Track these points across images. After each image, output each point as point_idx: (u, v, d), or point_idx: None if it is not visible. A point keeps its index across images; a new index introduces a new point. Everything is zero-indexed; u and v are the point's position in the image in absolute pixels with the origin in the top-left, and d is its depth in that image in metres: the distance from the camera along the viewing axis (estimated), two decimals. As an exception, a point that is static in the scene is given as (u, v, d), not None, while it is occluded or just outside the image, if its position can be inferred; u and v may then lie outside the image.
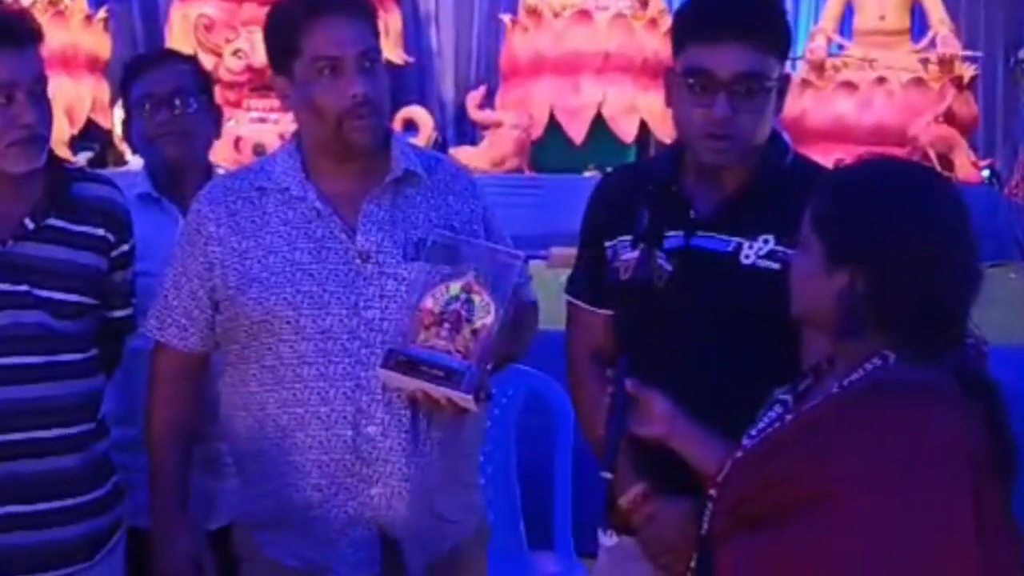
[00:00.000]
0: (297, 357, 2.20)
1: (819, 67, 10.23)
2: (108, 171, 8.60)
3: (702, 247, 2.16)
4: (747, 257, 2.14)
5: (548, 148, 10.26)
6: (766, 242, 2.14)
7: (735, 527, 1.72)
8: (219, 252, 2.24)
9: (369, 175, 2.25)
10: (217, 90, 3.10)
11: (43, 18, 8.86)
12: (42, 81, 2.23)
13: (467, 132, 11.59)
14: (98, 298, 2.32)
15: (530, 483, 3.69)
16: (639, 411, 2.00)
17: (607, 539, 2.30)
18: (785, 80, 2.18)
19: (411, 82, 11.78)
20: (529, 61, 10.38)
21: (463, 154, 9.67)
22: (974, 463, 1.60)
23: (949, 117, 9.74)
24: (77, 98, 10.01)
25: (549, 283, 2.87)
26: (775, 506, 1.65)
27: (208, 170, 2.78)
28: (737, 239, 2.15)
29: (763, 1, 2.20)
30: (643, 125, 10.10)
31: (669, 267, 2.17)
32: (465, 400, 2.09)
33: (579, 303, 2.35)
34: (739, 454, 1.80)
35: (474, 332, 2.10)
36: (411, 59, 11.22)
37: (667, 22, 8.80)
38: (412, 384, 2.12)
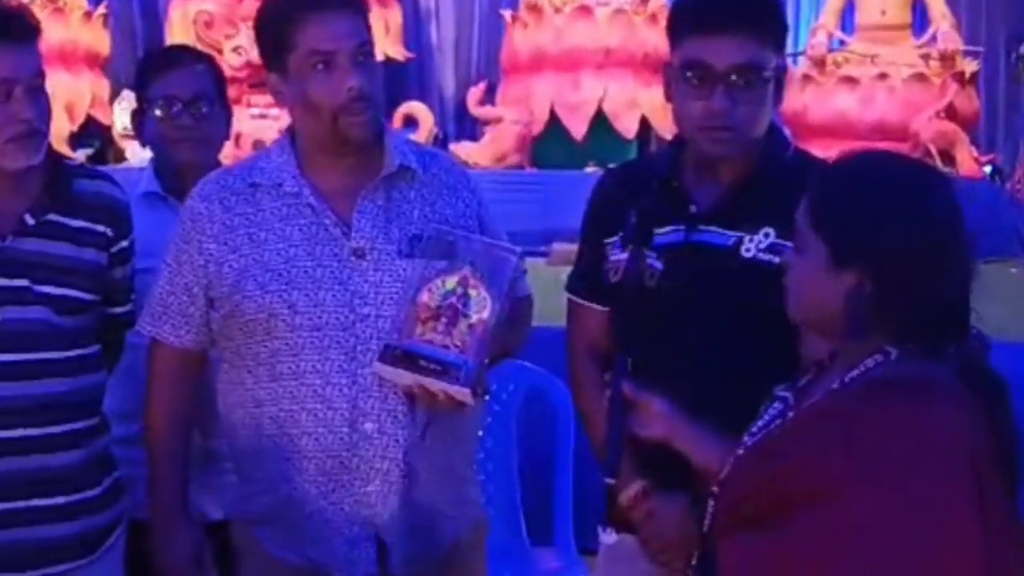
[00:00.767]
0: (293, 354, 2.19)
1: (820, 63, 10.23)
2: (108, 167, 8.61)
3: (703, 241, 2.16)
4: (748, 251, 2.13)
5: (549, 144, 10.27)
6: (767, 235, 2.13)
7: (736, 525, 1.71)
8: (214, 249, 2.24)
9: (364, 171, 2.24)
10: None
11: (42, 14, 8.87)
12: (40, 77, 2.22)
13: (468, 128, 11.61)
14: (98, 294, 2.32)
15: (531, 479, 3.69)
16: (638, 413, 1.99)
17: (607, 537, 2.30)
18: (783, 72, 2.18)
19: (412, 78, 11.80)
20: (530, 57, 10.39)
21: (463, 150, 9.68)
22: (977, 460, 1.59)
23: (951, 113, 9.75)
24: (77, 94, 10.03)
25: (550, 279, 2.87)
26: (776, 503, 1.64)
27: (215, 169, 2.77)
28: (738, 233, 2.14)
29: None
30: (644, 121, 10.11)
31: (660, 265, 2.17)
32: (462, 394, 2.09)
33: (579, 300, 2.35)
34: (740, 451, 1.79)
35: (470, 327, 2.10)
36: (411, 55, 11.22)
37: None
38: (409, 378, 2.11)
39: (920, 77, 9.88)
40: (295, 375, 2.19)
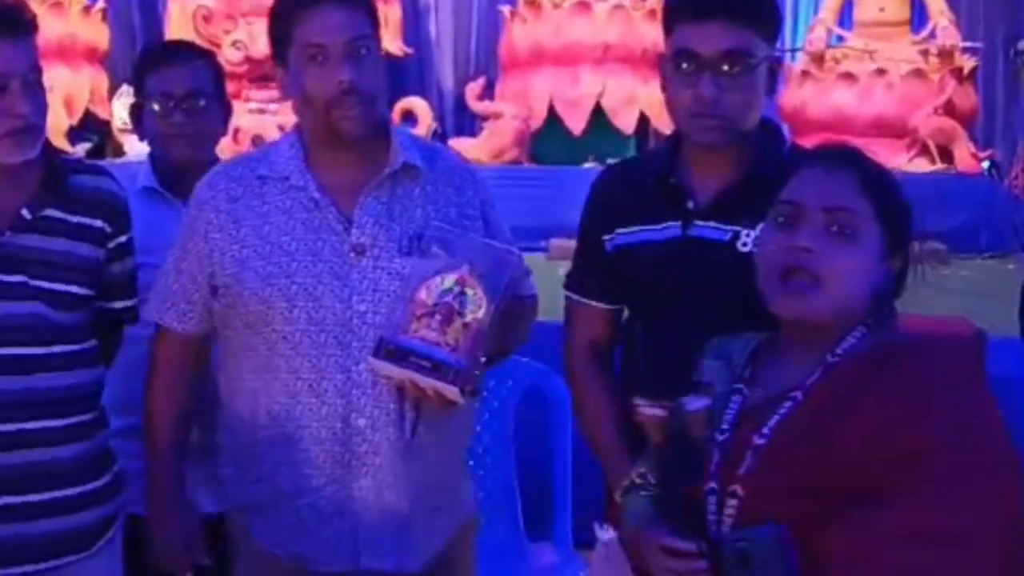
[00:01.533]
0: (291, 348, 2.20)
1: (819, 58, 10.22)
2: (107, 162, 8.61)
3: (700, 236, 2.16)
4: (744, 245, 2.13)
5: (547, 139, 10.26)
6: (764, 230, 2.13)
7: (826, 507, 1.71)
8: (218, 239, 2.25)
9: (368, 166, 2.24)
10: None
11: (41, 8, 8.87)
12: (36, 71, 2.22)
13: (466, 123, 11.59)
14: (95, 289, 2.32)
15: (529, 475, 3.69)
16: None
17: (604, 533, 2.30)
18: (776, 61, 2.19)
19: (410, 73, 11.77)
20: (528, 52, 10.37)
21: (462, 145, 9.67)
22: None
23: (949, 108, 9.75)
24: (75, 89, 10.01)
25: (548, 275, 2.87)
26: (872, 475, 1.68)
27: (213, 164, 2.77)
28: (735, 228, 2.15)
29: None
30: (643, 116, 10.09)
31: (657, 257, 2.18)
32: (452, 392, 2.09)
33: (577, 297, 2.35)
34: (760, 441, 1.79)
35: (465, 326, 2.10)
36: (410, 50, 11.20)
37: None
38: (400, 373, 2.12)
39: (918, 73, 9.87)
40: (292, 369, 2.20)
